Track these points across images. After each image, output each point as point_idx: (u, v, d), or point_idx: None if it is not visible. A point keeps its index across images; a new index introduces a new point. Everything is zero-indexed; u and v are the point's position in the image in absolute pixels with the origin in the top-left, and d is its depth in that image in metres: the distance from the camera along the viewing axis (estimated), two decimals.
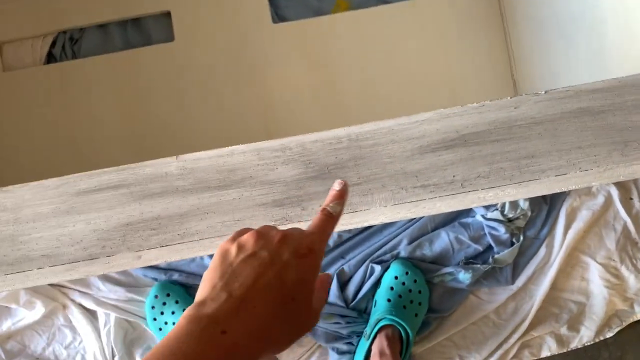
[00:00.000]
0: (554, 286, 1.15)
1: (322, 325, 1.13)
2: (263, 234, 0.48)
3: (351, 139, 0.64)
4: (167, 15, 1.22)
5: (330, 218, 0.52)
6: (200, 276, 1.15)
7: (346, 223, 0.64)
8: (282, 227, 0.64)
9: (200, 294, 0.44)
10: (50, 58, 1.23)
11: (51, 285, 1.13)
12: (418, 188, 0.63)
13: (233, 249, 0.46)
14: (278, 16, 1.24)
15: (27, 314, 1.13)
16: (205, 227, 0.65)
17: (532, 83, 1.12)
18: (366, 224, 0.64)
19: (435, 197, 0.63)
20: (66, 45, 1.22)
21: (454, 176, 0.64)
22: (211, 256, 1.12)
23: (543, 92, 0.64)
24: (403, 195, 0.63)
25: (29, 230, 0.64)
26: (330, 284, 0.60)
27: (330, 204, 0.53)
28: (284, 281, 0.44)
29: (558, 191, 0.64)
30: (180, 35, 1.19)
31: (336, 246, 1.17)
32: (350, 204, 0.64)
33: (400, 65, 1.23)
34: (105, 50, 1.22)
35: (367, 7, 1.24)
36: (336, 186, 0.54)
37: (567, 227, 1.15)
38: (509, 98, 0.64)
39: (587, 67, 0.99)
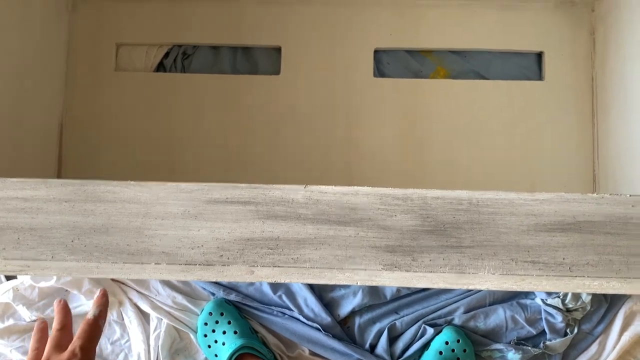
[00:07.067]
0: None
1: None
2: None
3: (472, 203, 0.68)
4: (278, 50, 1.29)
5: (92, 323, 0.85)
6: (257, 300, 1.18)
7: (452, 282, 0.67)
8: (386, 273, 0.67)
9: None
10: (160, 67, 1.31)
11: (113, 280, 1.16)
12: (528, 263, 0.66)
13: None
14: (378, 71, 1.30)
15: (85, 302, 1.16)
16: (318, 256, 0.68)
17: (615, 183, 1.14)
18: (470, 287, 0.66)
19: (542, 275, 0.66)
20: (178, 59, 1.29)
21: (563, 258, 0.66)
22: (278, 285, 1.14)
23: None
24: (512, 267, 0.66)
25: (155, 226, 0.68)
26: None
27: (90, 311, 0.86)
28: None
29: None
30: (286, 71, 1.26)
31: (392, 300, 1.18)
32: (459, 265, 0.67)
33: (484, 138, 1.27)
34: (212, 70, 1.29)
35: (465, 79, 1.29)
36: (97, 293, 0.91)
37: (623, 329, 1.16)
38: (628, 195, 0.67)
39: None
